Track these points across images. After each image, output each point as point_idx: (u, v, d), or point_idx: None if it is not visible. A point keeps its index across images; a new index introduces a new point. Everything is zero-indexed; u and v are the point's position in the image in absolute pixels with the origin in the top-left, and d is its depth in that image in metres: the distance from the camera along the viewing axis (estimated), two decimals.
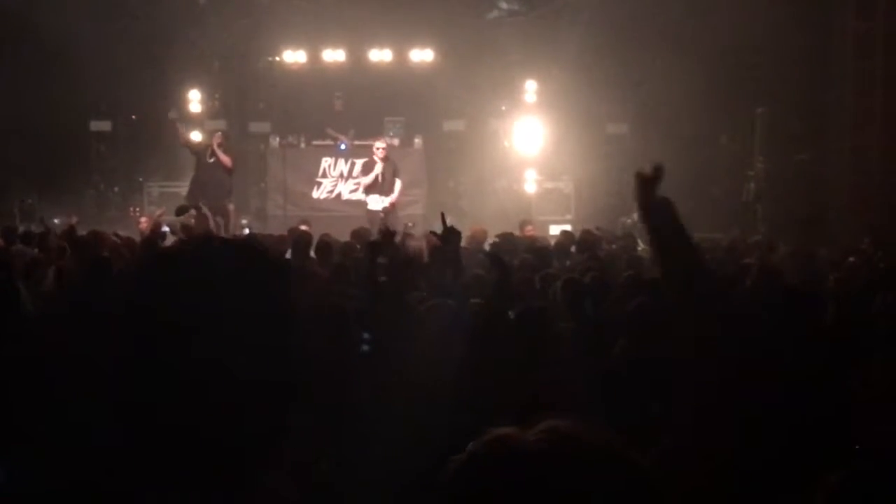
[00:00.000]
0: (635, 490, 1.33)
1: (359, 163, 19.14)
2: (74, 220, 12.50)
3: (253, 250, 1.61)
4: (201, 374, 1.48)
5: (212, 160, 16.75)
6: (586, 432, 1.35)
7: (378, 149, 16.99)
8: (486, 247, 11.90)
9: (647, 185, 2.78)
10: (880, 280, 8.39)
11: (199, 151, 17.04)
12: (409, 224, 13.39)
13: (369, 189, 17.01)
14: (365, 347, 5.55)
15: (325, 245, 10.93)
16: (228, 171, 16.85)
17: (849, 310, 6.35)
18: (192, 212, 14.07)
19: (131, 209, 18.89)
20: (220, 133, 17.35)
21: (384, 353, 5.25)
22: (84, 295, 6.50)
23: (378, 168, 16.89)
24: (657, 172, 2.80)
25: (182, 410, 1.48)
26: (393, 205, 16.78)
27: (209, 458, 1.49)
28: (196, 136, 18.20)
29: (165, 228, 11.88)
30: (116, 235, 11.73)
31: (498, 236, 12.70)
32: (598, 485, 1.30)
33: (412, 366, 4.98)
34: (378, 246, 6.97)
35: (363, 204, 17.75)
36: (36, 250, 10.62)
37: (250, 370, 1.50)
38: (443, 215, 6.80)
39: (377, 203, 16.67)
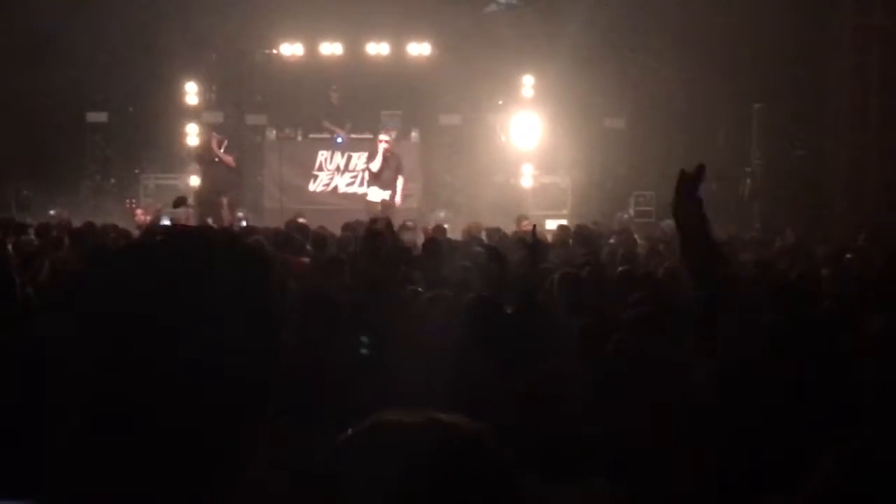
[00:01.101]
0: (493, 478, 1.39)
1: (355, 155, 19.26)
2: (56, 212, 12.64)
3: (234, 242, 1.59)
4: (175, 368, 1.46)
5: (216, 160, 17.30)
6: (464, 422, 1.41)
7: (382, 141, 17.31)
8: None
9: (690, 182, 2.94)
10: (876, 276, 8.41)
11: (201, 154, 17.59)
12: (410, 222, 13.48)
13: (371, 180, 17.29)
14: (364, 351, 5.53)
15: (321, 238, 10.98)
16: (232, 169, 17.48)
17: (847, 306, 6.36)
18: (190, 202, 14.10)
19: (127, 201, 18.87)
20: (215, 136, 17.82)
21: (380, 345, 5.25)
22: (82, 284, 6.49)
23: (379, 159, 17.12)
24: (699, 172, 2.95)
25: (153, 407, 1.46)
26: (393, 199, 17.02)
27: (184, 457, 1.47)
28: (193, 139, 18.63)
29: (166, 221, 11.93)
30: (115, 228, 11.74)
31: (487, 230, 12.73)
32: (460, 470, 1.38)
33: (408, 359, 4.97)
34: (377, 236, 6.99)
35: (360, 197, 17.96)
36: (33, 237, 10.63)
37: (226, 366, 1.47)
38: (534, 227, 6.83)
39: (376, 195, 16.95)
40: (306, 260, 9.66)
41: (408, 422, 1.40)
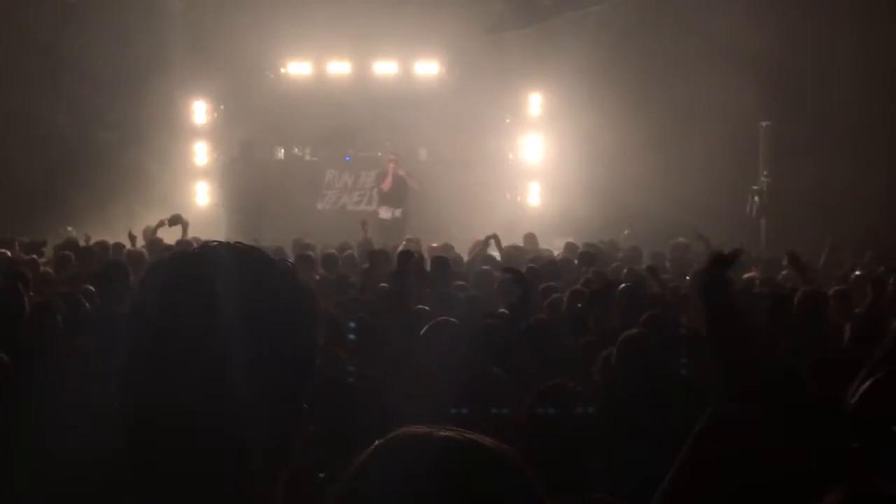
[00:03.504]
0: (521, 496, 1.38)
1: (363, 174, 19.43)
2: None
3: (260, 255, 1.62)
4: (211, 380, 1.49)
5: None
6: (489, 441, 1.41)
7: (391, 160, 18.27)
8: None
9: (721, 263, 2.83)
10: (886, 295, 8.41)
11: None
12: (413, 243, 13.59)
13: (381, 200, 18.12)
14: (351, 336, 5.62)
15: (332, 257, 11.18)
16: None
17: (859, 324, 6.37)
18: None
19: (137, 219, 18.86)
20: None
21: (390, 365, 5.27)
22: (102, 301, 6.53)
23: (389, 179, 18.09)
24: (733, 256, 2.85)
25: (186, 420, 1.49)
26: (404, 216, 17.60)
27: (211, 471, 1.50)
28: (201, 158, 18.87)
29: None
30: (125, 245, 11.80)
31: (506, 249, 12.76)
32: (488, 485, 1.37)
33: (419, 378, 4.99)
34: (410, 256, 7.09)
35: (371, 214, 18.24)
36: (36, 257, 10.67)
37: (255, 374, 1.51)
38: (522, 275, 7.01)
39: (386, 213, 17.52)
40: (316, 277, 9.71)
41: (438, 436, 1.39)
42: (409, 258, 7.30)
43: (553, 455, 3.32)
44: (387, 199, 18.16)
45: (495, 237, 12.55)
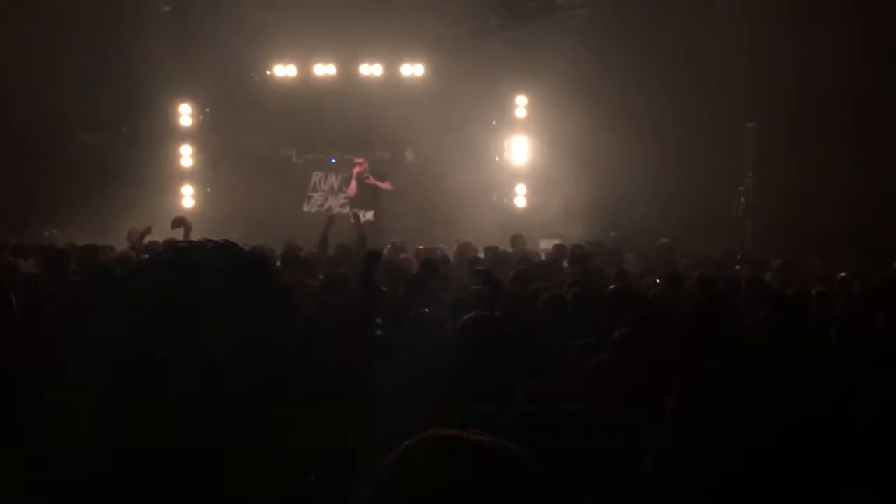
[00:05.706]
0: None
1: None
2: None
3: (238, 252, 1.65)
4: (191, 373, 1.51)
5: None
6: (514, 447, 1.41)
7: (356, 164, 18.19)
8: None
9: None
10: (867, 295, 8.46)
11: None
12: (399, 243, 13.60)
13: (353, 204, 17.93)
14: (378, 332, 5.62)
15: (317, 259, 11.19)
16: None
17: (847, 324, 6.41)
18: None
19: (123, 222, 18.82)
20: None
21: (379, 362, 5.28)
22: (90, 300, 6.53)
23: (353, 183, 18.08)
24: None
25: (167, 412, 1.51)
26: (378, 218, 17.45)
27: (193, 460, 1.51)
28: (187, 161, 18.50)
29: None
30: (111, 249, 11.77)
31: (486, 250, 12.78)
32: (514, 487, 1.37)
33: (406, 378, 5.01)
34: (376, 256, 7.09)
35: (344, 217, 18.30)
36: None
37: (239, 369, 1.53)
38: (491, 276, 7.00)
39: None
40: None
41: (469, 440, 1.39)
42: (377, 259, 7.29)
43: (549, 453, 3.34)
44: (356, 203, 17.96)
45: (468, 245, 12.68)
